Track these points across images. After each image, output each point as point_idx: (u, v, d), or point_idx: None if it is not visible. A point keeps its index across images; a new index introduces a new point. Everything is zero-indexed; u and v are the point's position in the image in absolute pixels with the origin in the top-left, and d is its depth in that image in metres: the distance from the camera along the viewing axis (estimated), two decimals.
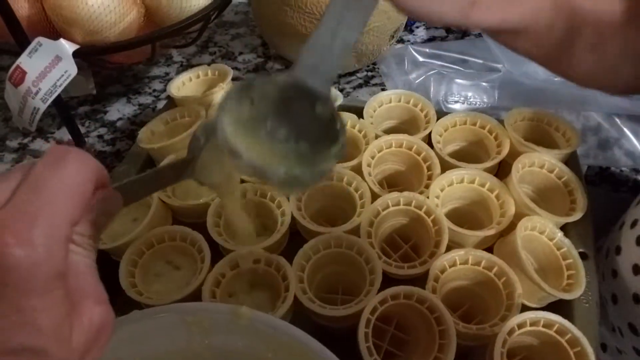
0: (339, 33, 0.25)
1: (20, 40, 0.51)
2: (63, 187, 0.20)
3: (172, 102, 0.59)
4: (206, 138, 0.32)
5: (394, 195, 0.46)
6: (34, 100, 0.52)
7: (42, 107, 0.52)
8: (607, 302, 0.49)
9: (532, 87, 0.63)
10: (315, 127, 0.26)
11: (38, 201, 0.19)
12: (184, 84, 0.59)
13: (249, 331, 0.33)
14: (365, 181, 0.48)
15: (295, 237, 0.47)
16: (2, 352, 0.17)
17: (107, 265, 0.45)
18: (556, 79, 0.63)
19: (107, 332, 0.22)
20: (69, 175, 0.21)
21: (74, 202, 0.21)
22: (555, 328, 0.38)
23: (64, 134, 0.66)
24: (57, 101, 0.55)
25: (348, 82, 0.72)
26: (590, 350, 0.36)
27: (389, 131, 0.53)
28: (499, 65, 0.67)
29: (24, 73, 0.53)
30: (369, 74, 0.73)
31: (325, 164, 0.25)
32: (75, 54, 0.52)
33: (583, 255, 0.43)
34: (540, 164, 0.48)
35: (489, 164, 0.49)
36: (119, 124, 0.67)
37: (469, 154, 0.53)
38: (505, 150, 0.49)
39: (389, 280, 0.41)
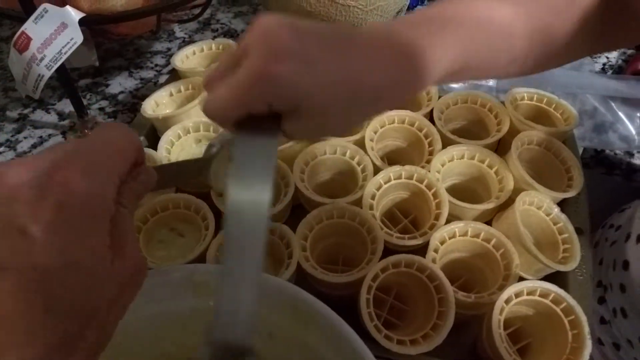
0: (240, 279, 0.23)
1: (26, 6, 0.51)
2: (113, 144, 0.23)
3: (175, 75, 0.59)
4: (220, 147, 0.35)
5: (396, 168, 0.47)
6: (39, 67, 0.52)
7: (47, 74, 0.52)
8: (615, 315, 0.49)
9: None
10: None
11: (94, 150, 0.22)
12: (188, 57, 0.59)
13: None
14: (368, 155, 0.48)
15: (299, 209, 0.48)
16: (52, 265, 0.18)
17: None
18: None
19: (141, 277, 0.23)
20: (118, 136, 0.24)
21: (122, 158, 0.23)
22: (551, 297, 0.39)
23: (64, 105, 0.66)
24: (61, 70, 0.55)
25: None
26: (584, 318, 0.37)
27: None
28: None
29: (29, 39, 0.53)
30: None
31: None
32: (80, 23, 0.52)
33: (578, 231, 0.45)
34: (538, 142, 0.50)
35: (489, 140, 0.50)
36: (120, 97, 0.67)
37: (469, 132, 0.54)
38: (505, 128, 0.50)
39: (389, 253, 0.42)
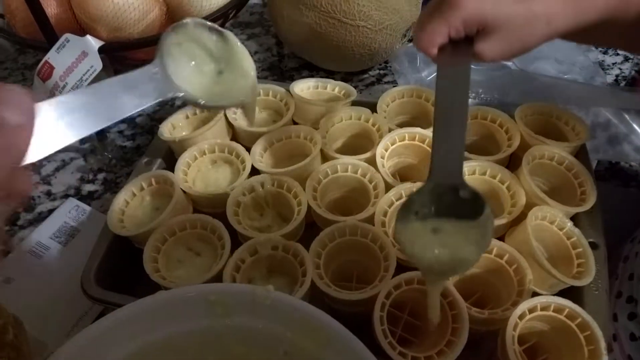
0: (449, 139, 0.34)
1: (49, 37, 0.53)
2: None
3: None
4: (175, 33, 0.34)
5: (408, 185, 0.47)
6: (61, 95, 0.54)
7: None
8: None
9: (542, 84, 0.65)
10: (466, 208, 0.33)
11: None
12: None
13: (269, 311, 0.35)
14: (379, 172, 0.49)
15: (312, 227, 0.49)
16: None
17: (130, 253, 0.47)
18: (566, 76, 0.64)
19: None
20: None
21: None
22: (565, 313, 0.39)
23: None
24: None
25: (361, 80, 0.73)
26: (600, 333, 0.37)
27: (401, 125, 0.55)
28: (509, 63, 0.69)
29: (51, 68, 0.55)
30: (382, 72, 0.74)
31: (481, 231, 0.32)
32: (100, 51, 0.54)
33: (593, 245, 0.44)
34: (550, 157, 0.50)
35: (500, 156, 0.50)
36: (138, 120, 0.69)
37: (480, 148, 0.54)
38: (515, 143, 0.51)
39: (401, 269, 0.42)
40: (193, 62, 0.35)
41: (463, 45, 0.38)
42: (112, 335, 0.32)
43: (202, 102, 0.34)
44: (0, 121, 0.22)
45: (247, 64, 0.37)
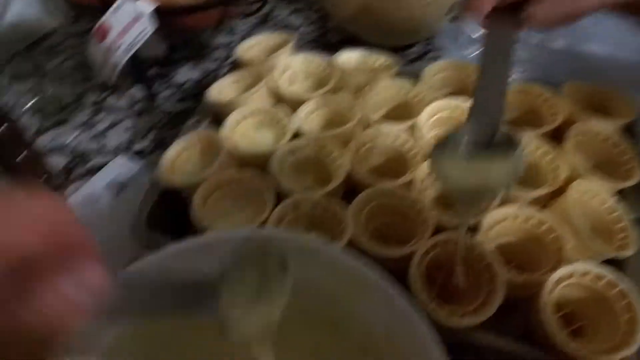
0: (493, 87, 0.36)
1: (105, 1, 0.55)
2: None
3: (237, 66, 0.63)
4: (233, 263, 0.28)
5: None
6: (115, 55, 0.57)
7: (122, 61, 0.57)
8: None
9: (590, 64, 0.63)
10: (500, 149, 0.35)
11: None
12: (250, 48, 0.63)
13: (311, 258, 0.36)
14: (420, 142, 0.49)
15: (351, 195, 0.50)
16: None
17: (178, 204, 0.49)
18: (620, 56, 0.62)
19: None
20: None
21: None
22: (604, 281, 0.39)
23: (136, 92, 0.71)
24: (134, 58, 0.59)
25: (404, 56, 0.73)
26: (638, 303, 0.37)
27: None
28: (557, 43, 0.68)
29: (107, 30, 0.58)
30: (425, 48, 0.74)
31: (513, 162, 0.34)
32: (153, 14, 0.56)
33: (637, 221, 0.44)
34: (596, 133, 0.49)
35: (544, 130, 0.50)
36: (186, 85, 0.72)
37: (524, 122, 0.54)
38: (561, 118, 0.50)
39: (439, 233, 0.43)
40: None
41: (511, 14, 0.38)
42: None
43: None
44: (58, 289, 0.20)
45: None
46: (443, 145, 0.36)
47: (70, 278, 0.20)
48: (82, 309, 0.20)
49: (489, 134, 0.35)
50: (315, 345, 0.36)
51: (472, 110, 0.36)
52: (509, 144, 0.35)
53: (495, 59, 0.37)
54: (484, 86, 0.37)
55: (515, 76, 0.61)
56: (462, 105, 0.52)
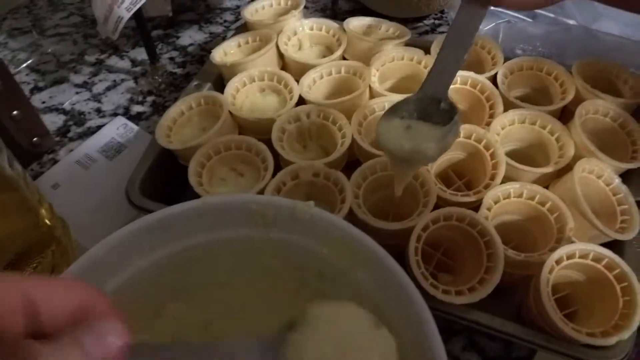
0: (451, 59, 0.39)
1: None
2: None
3: (244, 28, 0.61)
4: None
5: None
6: (119, 9, 0.55)
7: (126, 16, 0.55)
8: None
9: (603, 43, 0.62)
10: (442, 117, 0.38)
11: None
12: (257, 11, 0.61)
13: (308, 226, 0.35)
14: None
15: (354, 163, 0.49)
16: None
17: (175, 168, 0.48)
18: (634, 36, 0.61)
19: None
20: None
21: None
22: (604, 262, 0.38)
23: (137, 53, 0.69)
24: (138, 17, 0.58)
25: (415, 28, 0.72)
26: (638, 286, 0.37)
27: None
28: (571, 21, 0.66)
29: None
30: (437, 21, 0.72)
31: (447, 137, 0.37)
32: None
33: None
34: (604, 112, 0.48)
35: (552, 107, 0.49)
36: (190, 48, 0.70)
37: (533, 100, 0.53)
38: (569, 97, 0.49)
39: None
40: None
41: None
42: (157, 234, 0.32)
43: None
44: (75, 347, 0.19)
45: None
46: (394, 110, 0.39)
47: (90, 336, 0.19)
48: None
49: (435, 102, 0.38)
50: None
51: (427, 79, 0.39)
52: (450, 113, 0.37)
53: (460, 33, 0.40)
54: (443, 58, 0.39)
55: (527, 52, 0.59)
56: (472, 77, 0.51)
